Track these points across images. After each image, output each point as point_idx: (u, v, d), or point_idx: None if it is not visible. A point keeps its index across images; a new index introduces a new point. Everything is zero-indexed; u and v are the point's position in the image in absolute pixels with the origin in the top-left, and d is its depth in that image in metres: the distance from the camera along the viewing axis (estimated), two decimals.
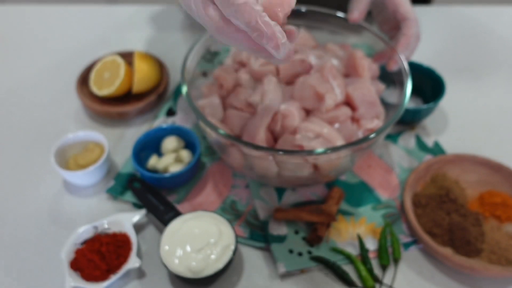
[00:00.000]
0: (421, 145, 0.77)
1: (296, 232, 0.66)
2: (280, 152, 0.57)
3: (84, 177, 0.69)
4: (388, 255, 0.63)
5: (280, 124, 0.63)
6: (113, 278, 0.59)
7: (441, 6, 1.09)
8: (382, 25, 0.76)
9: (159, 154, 0.74)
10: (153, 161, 0.71)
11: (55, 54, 0.97)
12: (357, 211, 0.69)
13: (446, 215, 0.66)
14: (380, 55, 0.73)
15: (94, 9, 1.09)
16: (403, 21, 0.69)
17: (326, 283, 0.61)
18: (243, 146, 0.58)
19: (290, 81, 0.69)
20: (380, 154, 0.76)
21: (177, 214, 0.65)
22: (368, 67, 0.69)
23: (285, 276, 0.62)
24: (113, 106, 0.81)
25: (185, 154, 0.71)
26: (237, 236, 0.60)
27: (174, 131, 0.74)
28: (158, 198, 0.68)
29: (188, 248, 0.58)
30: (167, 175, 0.68)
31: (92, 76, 0.83)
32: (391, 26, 0.73)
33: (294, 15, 0.76)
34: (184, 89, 0.65)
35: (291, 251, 0.63)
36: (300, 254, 0.63)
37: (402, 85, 0.67)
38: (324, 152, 0.56)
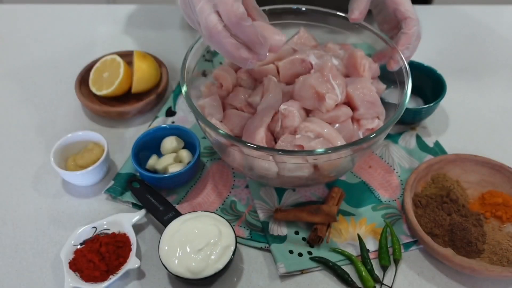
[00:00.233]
0: (422, 145, 0.77)
1: (296, 233, 0.65)
2: (280, 152, 0.57)
3: (83, 177, 0.69)
4: (389, 255, 0.63)
5: (280, 124, 0.63)
6: (113, 278, 0.59)
7: (441, 6, 1.09)
8: (382, 25, 0.75)
9: (159, 154, 0.74)
10: (152, 161, 0.71)
11: (54, 54, 0.96)
12: (357, 211, 0.68)
13: (447, 215, 0.65)
14: (381, 54, 0.72)
15: (94, 9, 1.09)
16: (404, 20, 0.68)
17: (326, 283, 0.61)
18: (243, 146, 0.58)
19: (290, 81, 0.69)
20: (381, 154, 0.76)
21: (176, 214, 0.65)
22: (368, 67, 0.69)
23: (285, 276, 0.62)
24: (113, 106, 0.81)
25: (185, 154, 0.71)
26: (237, 237, 0.60)
27: (174, 131, 0.74)
28: (157, 199, 0.67)
29: (188, 249, 0.58)
30: (166, 175, 0.67)
31: (92, 75, 0.83)
32: (392, 26, 0.73)
33: (295, 14, 0.76)
34: (184, 89, 0.64)
35: (291, 252, 0.63)
36: (300, 254, 0.63)
37: (402, 85, 0.67)
38: (324, 152, 0.56)
